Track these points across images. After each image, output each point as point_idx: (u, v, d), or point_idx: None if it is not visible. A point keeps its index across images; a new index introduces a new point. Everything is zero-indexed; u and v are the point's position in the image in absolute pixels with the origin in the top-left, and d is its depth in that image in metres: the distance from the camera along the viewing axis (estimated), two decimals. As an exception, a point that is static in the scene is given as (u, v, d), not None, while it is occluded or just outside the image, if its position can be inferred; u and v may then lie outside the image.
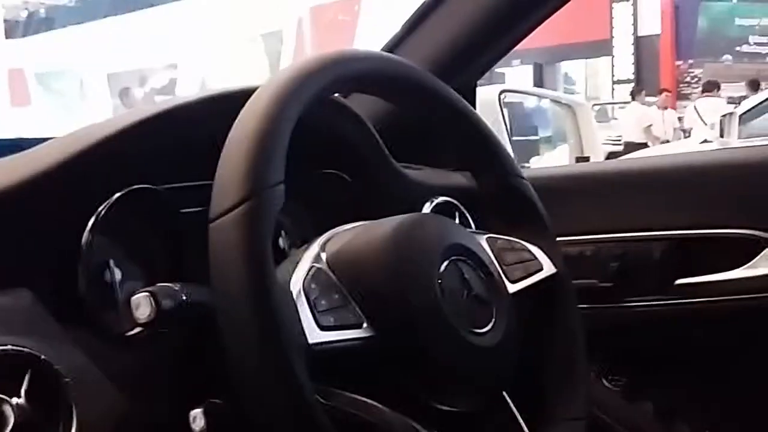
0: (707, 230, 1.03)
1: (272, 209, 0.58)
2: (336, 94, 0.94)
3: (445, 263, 0.69)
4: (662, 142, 8.89)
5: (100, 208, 0.71)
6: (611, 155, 8.41)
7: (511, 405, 0.73)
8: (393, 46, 1.12)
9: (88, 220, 0.70)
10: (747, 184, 1.04)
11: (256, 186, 0.58)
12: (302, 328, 0.58)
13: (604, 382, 1.10)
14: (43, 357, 0.61)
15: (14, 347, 0.60)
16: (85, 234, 0.70)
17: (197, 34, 15.62)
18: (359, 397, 0.63)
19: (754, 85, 8.36)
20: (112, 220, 0.73)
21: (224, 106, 0.64)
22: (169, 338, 0.72)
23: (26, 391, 0.59)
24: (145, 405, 0.67)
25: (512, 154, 0.91)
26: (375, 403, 0.63)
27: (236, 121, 0.61)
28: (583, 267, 1.07)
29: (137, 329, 0.72)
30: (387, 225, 0.69)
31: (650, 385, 1.10)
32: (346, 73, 0.71)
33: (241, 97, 0.64)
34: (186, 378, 0.68)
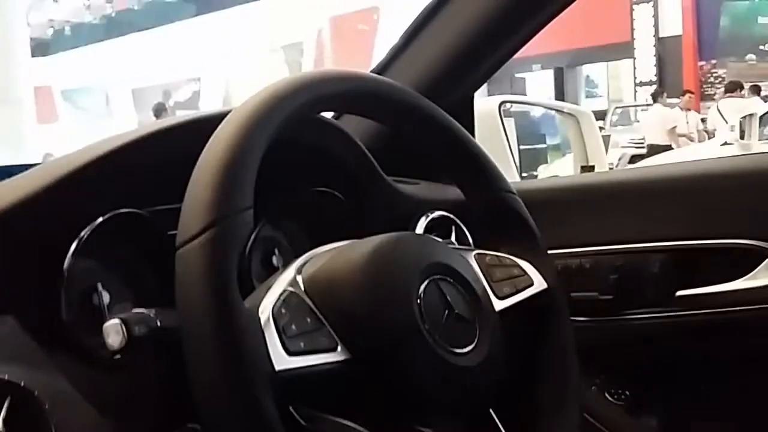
0: (707, 241, 1.01)
1: (237, 236, 0.58)
2: (326, 114, 0.95)
3: (425, 282, 0.68)
4: (691, 140, 8.80)
5: (83, 233, 0.71)
6: (634, 158, 8.34)
7: (498, 424, 0.72)
8: (382, 68, 1.13)
9: (71, 245, 0.71)
10: (747, 194, 1.02)
11: (220, 213, 0.58)
12: (268, 354, 0.58)
13: (607, 396, 1.08)
14: (22, 383, 0.62)
15: None
16: (68, 258, 0.70)
17: (219, 48, 15.79)
18: (343, 421, 0.63)
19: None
20: (97, 244, 0.73)
21: (203, 129, 0.64)
22: (150, 363, 0.72)
23: (4, 419, 0.59)
24: (126, 429, 0.67)
25: (517, 163, 0.90)
26: (359, 428, 0.63)
27: (206, 147, 0.62)
28: (583, 280, 1.06)
29: (124, 358, 0.73)
30: (364, 245, 0.69)
31: (653, 398, 1.09)
32: (323, 94, 0.70)
33: (220, 120, 0.65)
34: (166, 402, 0.69)
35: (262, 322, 0.59)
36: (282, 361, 0.58)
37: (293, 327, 0.60)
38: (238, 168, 0.59)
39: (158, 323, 0.62)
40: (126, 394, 0.70)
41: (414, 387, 0.65)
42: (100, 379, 0.69)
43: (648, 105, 10.14)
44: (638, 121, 10.69)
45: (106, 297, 0.75)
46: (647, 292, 1.05)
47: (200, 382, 0.56)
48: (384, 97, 0.77)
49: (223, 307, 0.55)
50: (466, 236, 1.02)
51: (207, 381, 0.55)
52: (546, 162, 4.17)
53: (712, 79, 12.23)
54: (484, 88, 1.32)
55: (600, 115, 9.38)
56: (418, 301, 0.66)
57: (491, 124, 1.97)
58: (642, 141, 9.20)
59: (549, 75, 13.79)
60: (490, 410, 0.73)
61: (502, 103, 2.13)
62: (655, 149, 8.31)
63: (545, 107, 3.98)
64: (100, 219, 0.73)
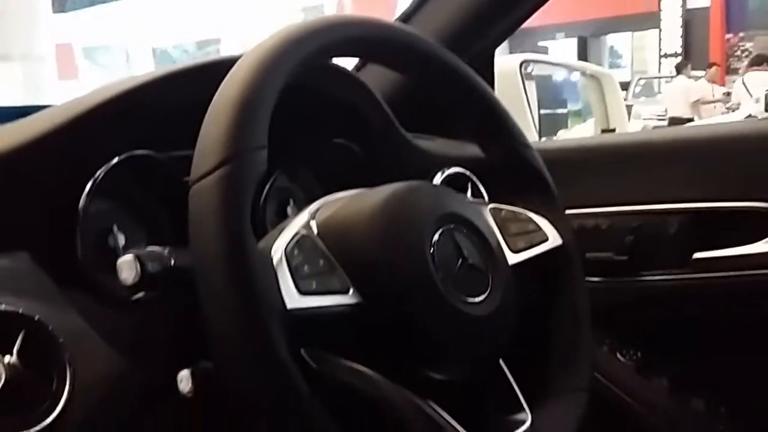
0: (725, 203, 1.00)
1: (252, 173, 0.58)
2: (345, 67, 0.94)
3: (439, 231, 0.68)
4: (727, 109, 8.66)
5: (98, 173, 0.72)
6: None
7: (508, 375, 0.72)
8: (404, 18, 1.11)
9: (87, 185, 0.71)
10: (767, 156, 1.00)
11: (235, 150, 0.57)
12: (280, 292, 0.58)
13: (618, 356, 1.08)
14: (37, 317, 0.62)
15: (8, 308, 0.61)
16: (83, 198, 0.70)
17: (239, 9, 15.69)
18: (353, 365, 0.63)
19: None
20: (113, 186, 0.74)
21: (217, 72, 0.63)
22: (165, 301, 0.73)
23: (19, 351, 0.60)
24: (139, 366, 0.68)
25: (537, 127, 0.89)
26: (369, 371, 0.63)
27: (221, 86, 0.61)
28: (598, 240, 1.05)
29: (137, 294, 0.73)
30: (380, 192, 0.69)
31: (665, 360, 1.08)
32: (342, 37, 0.70)
33: (234, 63, 0.64)
34: (180, 341, 0.69)
35: (275, 262, 0.59)
36: (294, 300, 0.58)
37: (305, 268, 0.60)
38: (253, 106, 0.59)
39: (172, 262, 0.63)
40: (139, 333, 0.70)
41: (425, 333, 0.65)
42: (114, 317, 0.70)
43: (672, 77, 10.00)
44: (661, 93, 10.56)
45: (120, 239, 0.76)
46: (663, 254, 1.04)
47: (213, 319, 0.56)
48: (405, 45, 0.76)
49: (236, 243, 0.55)
50: (482, 194, 1.01)
51: (219, 317, 0.56)
52: (566, 127, 4.11)
53: (738, 53, 12.03)
54: (505, 47, 1.30)
55: (623, 86, 9.27)
56: (432, 249, 0.66)
57: (512, 82, 1.93)
58: (664, 114, 9.09)
59: (572, 44, 13.61)
60: (501, 361, 0.73)
61: (524, 62, 2.08)
62: (676, 122, 8.21)
63: (568, 67, 3.93)
64: (116, 160, 0.73)
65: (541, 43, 12.76)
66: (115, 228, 0.76)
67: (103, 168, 0.73)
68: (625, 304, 1.07)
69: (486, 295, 0.69)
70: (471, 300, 0.68)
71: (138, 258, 0.61)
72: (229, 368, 0.56)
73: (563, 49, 13.55)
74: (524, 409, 0.71)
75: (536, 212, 0.82)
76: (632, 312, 1.08)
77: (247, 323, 0.55)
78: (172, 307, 0.73)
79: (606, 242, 1.05)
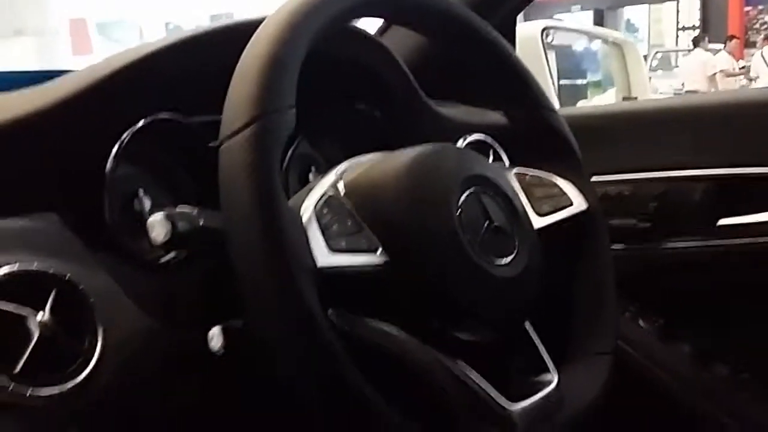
0: (751, 169, 0.99)
1: (281, 131, 0.58)
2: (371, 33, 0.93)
3: (466, 193, 0.68)
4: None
5: (124, 135, 0.72)
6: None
7: (534, 336, 0.73)
8: None
9: (113, 148, 0.71)
10: None
11: (265, 108, 0.57)
12: (311, 250, 0.58)
13: (641, 322, 1.08)
14: (68, 277, 0.63)
15: (40, 267, 0.62)
16: (109, 161, 0.71)
17: (253, -17, 15.56)
18: (381, 324, 0.63)
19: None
20: (139, 150, 0.74)
21: (241, 35, 0.63)
22: (191, 263, 0.73)
23: (51, 308, 0.61)
24: (168, 327, 0.68)
25: (556, 96, 0.89)
26: (397, 331, 0.63)
27: (248, 45, 0.61)
28: (622, 207, 1.05)
29: (166, 257, 0.74)
30: (406, 154, 0.68)
31: (688, 326, 1.08)
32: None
33: (257, 25, 0.64)
34: (209, 302, 0.70)
35: (304, 221, 0.59)
36: (324, 257, 0.59)
37: (335, 227, 0.61)
38: (282, 64, 0.59)
39: (201, 221, 0.63)
40: (167, 294, 0.71)
41: (452, 294, 0.65)
42: (142, 279, 0.70)
43: (689, 50, 9.88)
44: (678, 67, 10.44)
45: (147, 202, 0.76)
46: (687, 221, 1.03)
47: (244, 275, 0.56)
48: (430, 6, 0.75)
49: (267, 199, 0.55)
50: (503, 161, 1.01)
51: (251, 273, 0.56)
52: (585, 98, 4.08)
53: (757, 26, 11.87)
54: (520, 19, 1.29)
55: (639, 60, 9.16)
56: (458, 210, 0.66)
57: (533, 49, 1.91)
58: (681, 87, 8.99)
59: (588, 16, 13.47)
60: (526, 323, 0.73)
61: (546, 29, 2.05)
62: (694, 95, 8.13)
63: (589, 35, 3.87)
64: (141, 122, 0.73)
65: (556, 16, 12.64)
66: (141, 192, 0.76)
67: (128, 131, 0.73)
68: (649, 271, 1.06)
69: (512, 256, 0.69)
70: (498, 261, 0.68)
71: (169, 217, 0.61)
72: (261, 323, 0.57)
73: (579, 21, 13.41)
74: (550, 370, 0.71)
75: (561, 176, 0.82)
76: (655, 279, 1.08)
77: (279, 277, 0.55)
78: (198, 268, 0.73)
79: (630, 209, 1.05)
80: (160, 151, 0.78)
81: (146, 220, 0.74)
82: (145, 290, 0.69)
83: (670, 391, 1.08)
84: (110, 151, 0.72)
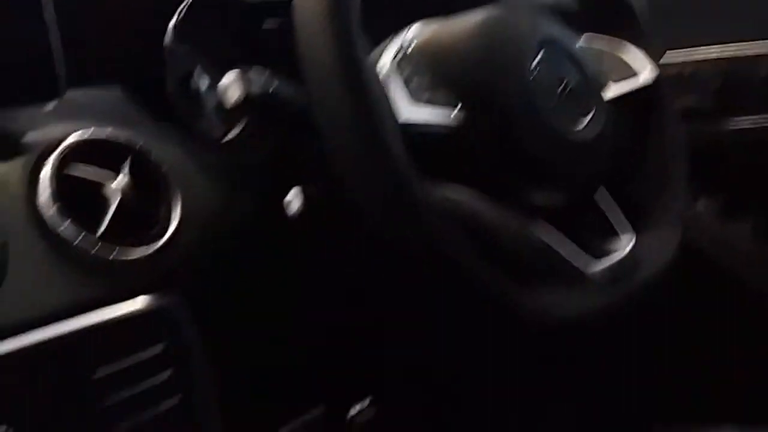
0: None
1: None
2: None
3: (540, 55, 0.66)
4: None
5: (180, 7, 0.70)
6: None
7: (611, 200, 0.72)
8: None
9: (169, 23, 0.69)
10: None
11: None
12: (393, 102, 0.56)
13: (700, 202, 1.06)
14: (140, 145, 0.62)
15: (111, 136, 0.61)
16: (168, 33, 0.69)
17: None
18: (458, 185, 0.62)
19: None
20: (193, 28, 0.72)
21: None
22: (258, 138, 0.72)
23: (128, 172, 0.60)
24: (240, 197, 0.67)
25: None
26: (473, 193, 0.62)
27: None
28: (684, 86, 1.02)
29: (228, 135, 0.73)
30: (480, 12, 0.66)
31: (749, 205, 1.06)
32: None
33: None
34: (278, 173, 0.69)
35: (383, 75, 0.57)
36: (406, 110, 0.57)
37: (414, 80, 0.59)
38: None
39: (274, 85, 0.61)
40: (235, 169, 0.69)
41: (528, 154, 0.64)
42: (209, 154, 0.69)
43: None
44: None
45: (204, 80, 0.75)
46: (750, 99, 1.00)
47: (329, 129, 0.54)
48: None
49: (350, 50, 0.53)
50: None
51: (336, 125, 0.54)
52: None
53: None
54: None
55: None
56: (533, 72, 0.65)
57: None
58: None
59: None
60: (602, 187, 0.72)
61: None
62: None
63: None
64: None
65: None
66: (198, 69, 0.74)
67: (183, 3, 0.71)
68: (710, 150, 1.04)
69: (587, 121, 0.68)
70: (572, 125, 0.66)
71: (243, 77, 0.60)
72: (349, 177, 0.55)
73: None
74: (628, 232, 0.71)
75: (632, 43, 0.80)
76: (717, 158, 1.05)
77: (366, 129, 0.53)
78: (264, 143, 0.72)
79: (691, 88, 1.02)
80: (213, 28, 0.77)
81: (203, 98, 0.73)
82: (215, 164, 0.68)
83: (729, 268, 1.07)
84: (167, 26, 0.70)
